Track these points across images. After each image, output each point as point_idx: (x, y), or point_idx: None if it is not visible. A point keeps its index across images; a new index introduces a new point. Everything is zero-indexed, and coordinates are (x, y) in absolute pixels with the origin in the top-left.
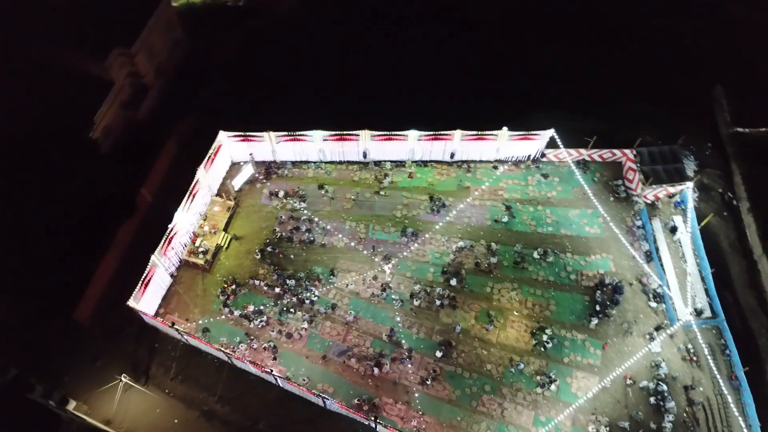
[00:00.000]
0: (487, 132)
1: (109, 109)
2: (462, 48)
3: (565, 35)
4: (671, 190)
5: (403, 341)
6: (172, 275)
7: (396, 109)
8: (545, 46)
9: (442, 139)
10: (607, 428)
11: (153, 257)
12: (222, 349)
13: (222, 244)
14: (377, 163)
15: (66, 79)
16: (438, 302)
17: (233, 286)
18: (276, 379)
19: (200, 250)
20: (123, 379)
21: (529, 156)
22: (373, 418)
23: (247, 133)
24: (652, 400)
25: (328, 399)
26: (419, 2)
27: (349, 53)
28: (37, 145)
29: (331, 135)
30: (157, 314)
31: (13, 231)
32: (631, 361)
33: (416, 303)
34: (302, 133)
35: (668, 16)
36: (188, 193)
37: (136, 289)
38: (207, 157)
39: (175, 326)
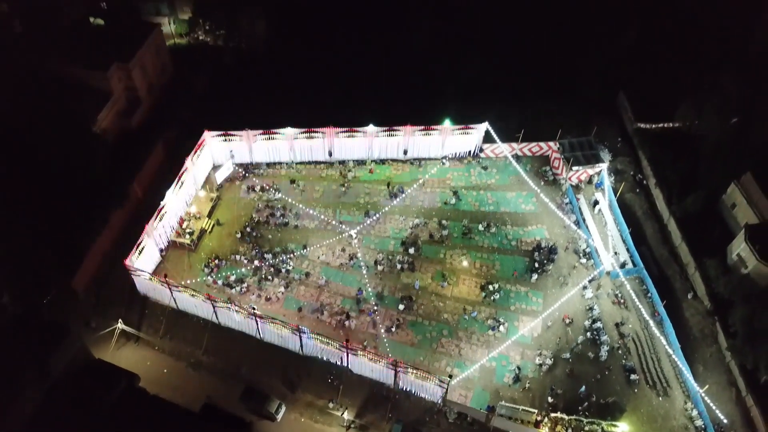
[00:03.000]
0: (433, 126)
1: (108, 114)
2: (403, 57)
3: (489, 47)
4: (590, 171)
5: (371, 298)
6: (161, 251)
7: (354, 109)
8: (474, 54)
9: (396, 134)
10: (552, 359)
11: (147, 226)
12: (209, 295)
13: (206, 228)
14: (341, 162)
15: (75, 87)
16: (399, 266)
17: (216, 261)
18: (257, 323)
19: (187, 231)
20: (119, 325)
21: (469, 152)
22: (345, 342)
23: (228, 132)
24: (588, 335)
25: (305, 332)
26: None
27: (307, 71)
28: (46, 135)
29: (301, 132)
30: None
31: (19, 207)
32: (568, 306)
33: (380, 268)
34: (276, 130)
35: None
36: (177, 178)
37: (131, 253)
38: (194, 150)
39: (167, 278)
